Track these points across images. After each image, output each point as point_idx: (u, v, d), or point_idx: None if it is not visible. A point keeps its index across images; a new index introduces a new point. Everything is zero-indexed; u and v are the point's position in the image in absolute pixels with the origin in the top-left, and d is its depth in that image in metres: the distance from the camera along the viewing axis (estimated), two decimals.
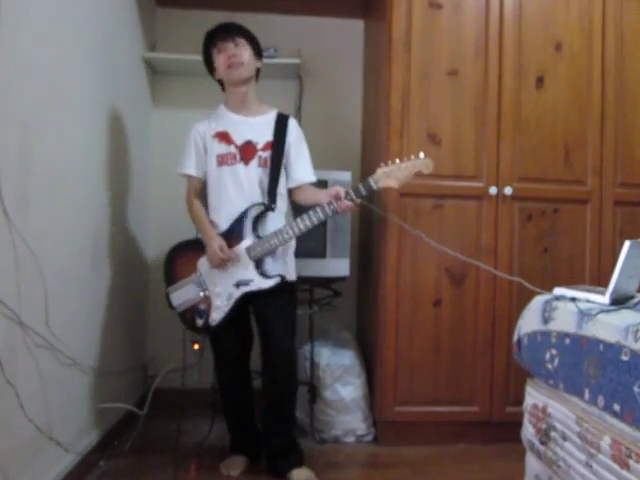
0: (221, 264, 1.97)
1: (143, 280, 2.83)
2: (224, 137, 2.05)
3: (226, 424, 2.18)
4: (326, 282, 2.51)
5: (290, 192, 2.12)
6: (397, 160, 1.95)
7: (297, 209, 2.14)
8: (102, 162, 2.18)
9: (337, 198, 1.93)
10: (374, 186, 1.93)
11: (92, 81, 2.06)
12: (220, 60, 2.03)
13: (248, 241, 1.99)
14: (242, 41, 2.04)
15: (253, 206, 2.01)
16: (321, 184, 2.36)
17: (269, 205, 2.02)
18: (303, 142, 2.14)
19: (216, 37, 2.04)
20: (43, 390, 1.67)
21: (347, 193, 1.93)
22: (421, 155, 1.94)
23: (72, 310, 1.91)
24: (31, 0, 1.58)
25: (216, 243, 1.96)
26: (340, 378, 2.42)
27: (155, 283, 2.78)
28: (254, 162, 2.03)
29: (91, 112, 2.07)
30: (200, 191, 2.10)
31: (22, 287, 1.53)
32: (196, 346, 2.72)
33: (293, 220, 1.99)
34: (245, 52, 2.03)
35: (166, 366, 2.75)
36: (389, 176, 1.93)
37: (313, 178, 2.11)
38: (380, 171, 1.94)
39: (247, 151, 2.04)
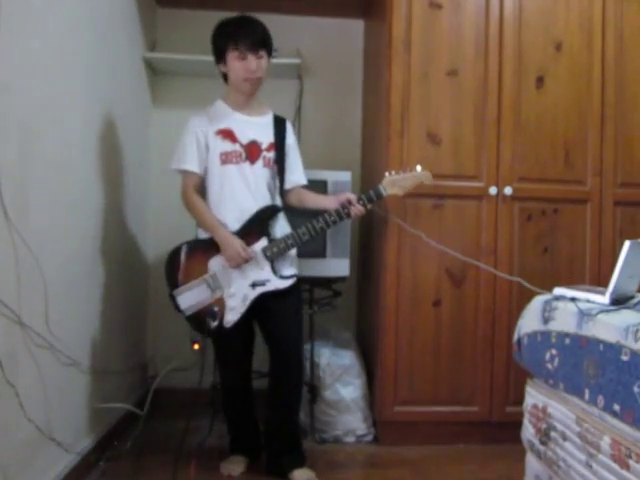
0: (241, 264, 1.96)
1: (143, 280, 2.83)
2: (228, 135, 2.04)
3: (226, 424, 2.18)
4: (326, 282, 2.52)
5: (283, 193, 2.12)
6: (400, 171, 2.06)
7: (289, 211, 2.15)
8: (102, 162, 2.18)
9: (349, 203, 2.01)
10: (384, 192, 2.03)
11: (92, 81, 2.06)
12: (238, 66, 1.98)
13: (264, 241, 1.99)
14: (264, 53, 2.01)
15: (268, 207, 2.02)
16: (321, 184, 2.37)
17: (282, 206, 2.06)
18: (297, 144, 2.18)
19: (241, 40, 1.95)
20: (43, 390, 1.67)
21: (360, 198, 2.01)
22: (418, 168, 2.06)
23: (72, 310, 1.91)
24: (31, 1, 1.58)
25: (237, 242, 1.95)
26: (340, 378, 2.42)
27: (155, 283, 2.79)
28: (260, 162, 2.04)
29: (91, 112, 2.07)
30: (199, 188, 2.07)
31: (22, 287, 1.53)
32: (196, 346, 2.72)
33: (308, 221, 2.00)
34: (264, 65, 2.01)
35: (166, 366, 2.75)
36: (395, 184, 2.05)
37: (305, 181, 2.16)
38: (387, 179, 2.04)
39: (252, 151, 2.04)
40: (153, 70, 2.90)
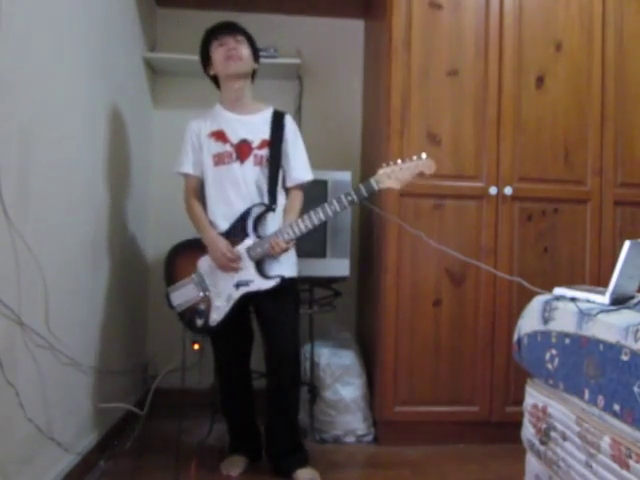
0: (228, 265, 1.96)
1: (143, 280, 2.83)
2: (220, 136, 2.05)
3: (226, 424, 2.18)
4: (326, 282, 2.51)
5: (286, 191, 2.11)
6: (399, 161, 1.90)
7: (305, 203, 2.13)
8: (102, 162, 2.18)
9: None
10: (375, 187, 1.89)
11: (92, 81, 2.06)
12: (219, 53, 2.04)
13: (249, 241, 1.98)
14: (242, 38, 2.07)
15: (254, 206, 2.00)
16: (321, 184, 2.37)
17: (270, 205, 2.02)
18: (299, 138, 2.13)
19: (217, 32, 2.06)
20: (43, 390, 1.67)
21: (348, 194, 1.90)
22: (423, 155, 1.88)
23: (72, 310, 1.91)
24: (31, 0, 1.58)
25: (222, 244, 1.96)
26: (340, 378, 2.42)
27: (155, 283, 2.79)
28: (250, 161, 2.03)
29: (91, 112, 2.07)
30: (198, 190, 2.10)
31: (22, 287, 1.53)
32: (196, 346, 2.73)
33: (294, 221, 1.97)
34: (244, 49, 2.06)
35: (166, 366, 2.75)
36: (390, 177, 1.89)
37: (310, 176, 2.10)
38: (381, 172, 1.90)
39: (242, 150, 2.04)
40: (153, 70, 2.90)
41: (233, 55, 2.03)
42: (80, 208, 1.97)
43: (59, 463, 1.80)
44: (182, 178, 2.11)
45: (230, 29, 2.06)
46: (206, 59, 2.11)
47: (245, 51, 2.06)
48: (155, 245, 2.86)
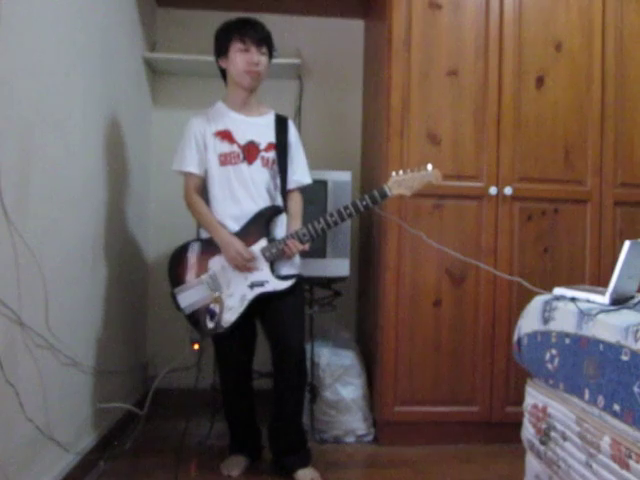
0: (244, 265, 1.96)
1: (143, 280, 2.83)
2: (226, 136, 2.05)
3: (227, 424, 2.18)
4: (326, 282, 2.52)
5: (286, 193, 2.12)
6: (408, 170, 1.99)
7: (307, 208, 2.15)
8: (102, 162, 2.18)
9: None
10: (388, 193, 1.97)
11: (92, 81, 2.06)
12: (241, 59, 2.01)
13: (263, 242, 1.99)
14: (266, 51, 2.05)
15: (268, 208, 2.02)
16: (321, 184, 2.37)
17: (283, 207, 2.05)
18: (300, 143, 2.16)
19: (247, 33, 2.01)
20: (43, 390, 1.67)
21: (363, 199, 1.96)
22: (429, 167, 1.98)
23: (72, 310, 1.90)
24: (31, 1, 1.58)
25: (238, 243, 1.96)
26: (340, 378, 2.42)
27: (155, 283, 2.79)
28: (258, 162, 2.04)
29: (91, 112, 2.07)
30: (201, 189, 2.08)
31: (22, 287, 1.53)
32: (196, 346, 2.73)
33: (309, 222, 1.99)
34: (265, 63, 2.05)
35: (166, 366, 2.75)
36: (401, 185, 1.98)
37: (310, 180, 2.14)
38: (393, 179, 1.98)
39: (250, 151, 2.04)
40: (153, 70, 2.90)
41: (253, 71, 2.02)
42: (80, 208, 1.97)
43: (59, 463, 1.80)
44: (181, 176, 2.09)
45: (262, 38, 2.02)
46: (222, 51, 2.06)
47: (265, 64, 2.05)
48: (155, 245, 2.86)
